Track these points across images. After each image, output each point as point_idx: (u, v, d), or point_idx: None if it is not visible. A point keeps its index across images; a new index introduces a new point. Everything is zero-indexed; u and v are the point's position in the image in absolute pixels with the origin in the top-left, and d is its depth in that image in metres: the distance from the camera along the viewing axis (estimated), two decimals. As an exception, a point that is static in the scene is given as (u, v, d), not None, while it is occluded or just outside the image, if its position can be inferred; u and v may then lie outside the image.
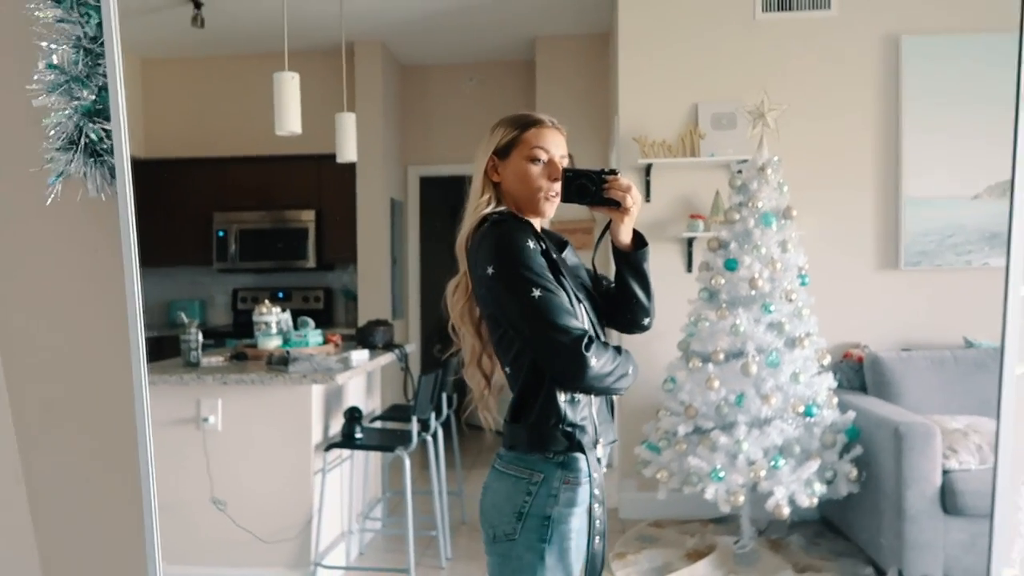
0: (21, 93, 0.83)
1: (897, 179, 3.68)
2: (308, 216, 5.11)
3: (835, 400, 3.19)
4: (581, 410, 1.42)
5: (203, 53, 5.06)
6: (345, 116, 3.94)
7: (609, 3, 4.16)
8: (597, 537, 1.39)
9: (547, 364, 1.38)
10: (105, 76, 0.79)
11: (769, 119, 3.25)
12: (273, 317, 3.34)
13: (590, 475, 1.40)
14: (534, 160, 1.46)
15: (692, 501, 3.35)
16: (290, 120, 3.37)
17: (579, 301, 1.45)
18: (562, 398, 1.40)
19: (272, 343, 3.28)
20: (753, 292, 3.12)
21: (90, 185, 0.83)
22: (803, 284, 3.22)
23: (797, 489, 2.97)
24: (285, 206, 5.12)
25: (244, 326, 4.32)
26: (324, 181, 5.08)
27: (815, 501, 2.99)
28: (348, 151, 3.93)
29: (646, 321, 1.56)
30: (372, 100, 4.94)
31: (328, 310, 5.32)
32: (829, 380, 3.19)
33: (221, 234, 5.12)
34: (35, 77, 0.80)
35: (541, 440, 1.39)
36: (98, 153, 0.82)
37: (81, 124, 0.81)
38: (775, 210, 3.20)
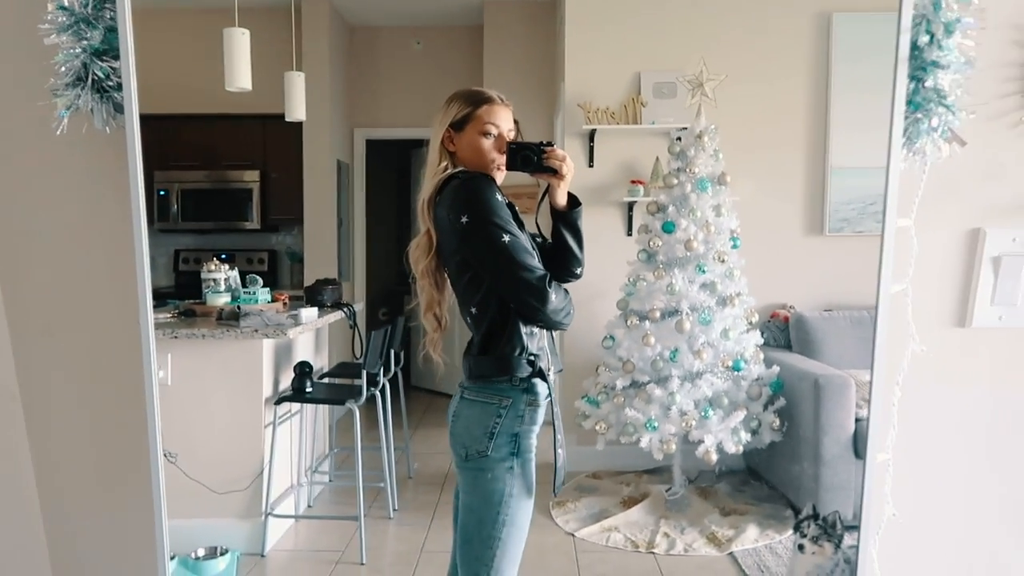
0: (33, 32, 0.88)
1: (824, 150, 3.89)
2: (252, 176, 5.08)
3: (762, 356, 3.40)
4: (538, 342, 1.64)
5: (150, 6, 4.94)
6: (295, 75, 3.95)
7: (556, -30, 4.24)
8: (560, 449, 1.62)
9: (515, 299, 1.58)
10: (111, 19, 0.85)
11: (707, 88, 3.40)
12: (222, 274, 3.37)
13: (550, 396, 1.64)
14: (486, 134, 1.63)
15: (628, 453, 3.55)
16: (240, 76, 3.37)
17: (533, 248, 1.63)
18: (524, 331, 1.60)
19: (221, 300, 3.31)
20: (688, 253, 3.29)
21: (96, 118, 0.89)
22: (735, 247, 3.40)
23: (725, 438, 3.18)
24: (229, 166, 5.07)
25: (186, 287, 4.31)
26: (269, 141, 5.05)
27: (741, 449, 3.21)
28: (297, 110, 3.94)
29: (579, 270, 1.70)
30: (320, 60, 4.92)
31: (273, 272, 5.31)
32: (756, 337, 3.40)
33: (162, 193, 5.05)
34: (47, 18, 0.85)
35: (509, 368, 1.60)
36: (104, 89, 0.88)
37: (88, 62, 0.87)
38: (711, 176, 3.37)
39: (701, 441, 3.17)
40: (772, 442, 3.31)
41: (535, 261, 1.58)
